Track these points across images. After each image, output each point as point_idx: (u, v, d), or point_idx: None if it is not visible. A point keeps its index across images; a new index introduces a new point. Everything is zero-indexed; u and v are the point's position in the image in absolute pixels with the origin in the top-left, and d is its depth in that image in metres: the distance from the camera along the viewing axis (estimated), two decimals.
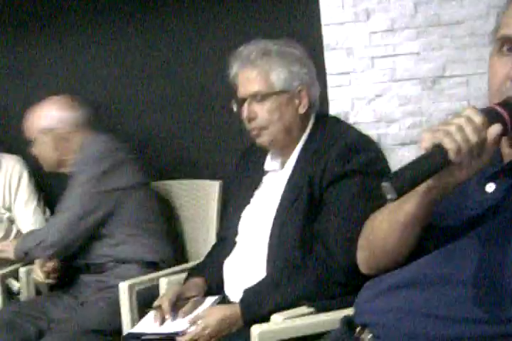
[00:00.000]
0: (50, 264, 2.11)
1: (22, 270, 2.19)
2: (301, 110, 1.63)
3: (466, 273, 1.01)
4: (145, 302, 1.88)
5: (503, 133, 0.96)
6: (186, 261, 2.23)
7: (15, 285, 2.26)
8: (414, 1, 2.25)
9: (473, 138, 0.93)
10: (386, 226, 1.10)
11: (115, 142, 2.18)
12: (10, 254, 2.17)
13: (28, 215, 2.37)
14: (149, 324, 1.62)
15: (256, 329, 1.36)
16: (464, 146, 0.93)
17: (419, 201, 1.03)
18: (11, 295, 2.23)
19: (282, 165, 1.66)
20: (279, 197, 1.60)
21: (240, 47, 1.65)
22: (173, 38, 2.52)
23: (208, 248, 2.00)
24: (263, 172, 1.71)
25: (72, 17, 2.59)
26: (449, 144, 0.93)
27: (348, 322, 1.18)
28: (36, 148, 2.20)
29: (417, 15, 2.25)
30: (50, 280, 2.12)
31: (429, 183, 0.99)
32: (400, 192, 0.94)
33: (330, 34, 2.31)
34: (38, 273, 2.11)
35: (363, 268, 1.20)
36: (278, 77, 1.60)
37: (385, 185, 0.94)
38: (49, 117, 2.15)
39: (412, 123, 2.34)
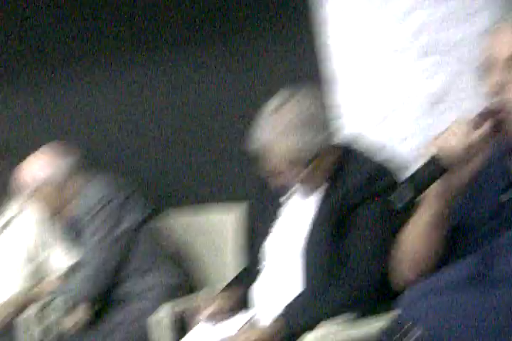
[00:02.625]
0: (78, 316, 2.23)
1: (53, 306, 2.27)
2: (331, 160, 1.74)
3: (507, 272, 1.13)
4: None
5: (489, 136, 1.17)
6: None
7: (48, 319, 2.33)
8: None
9: (460, 143, 1.14)
10: (413, 236, 1.29)
11: (114, 181, 2.32)
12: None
13: (61, 255, 2.45)
14: (194, 337, 1.74)
15: (310, 337, 1.46)
16: (454, 152, 1.14)
17: (434, 208, 1.22)
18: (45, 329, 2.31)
19: (308, 192, 1.79)
20: (308, 219, 1.76)
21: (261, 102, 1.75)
22: (178, 73, 2.65)
23: (229, 273, 2.12)
24: (281, 205, 1.85)
25: (70, 58, 2.72)
26: (440, 152, 1.15)
27: (396, 322, 1.28)
28: (37, 200, 2.32)
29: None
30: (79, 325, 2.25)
31: (437, 190, 1.19)
32: (405, 201, 1.15)
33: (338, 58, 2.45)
34: (69, 321, 2.25)
35: (401, 280, 1.35)
36: (305, 148, 1.70)
37: (403, 186, 1.15)
38: (43, 169, 2.26)
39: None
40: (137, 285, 2.25)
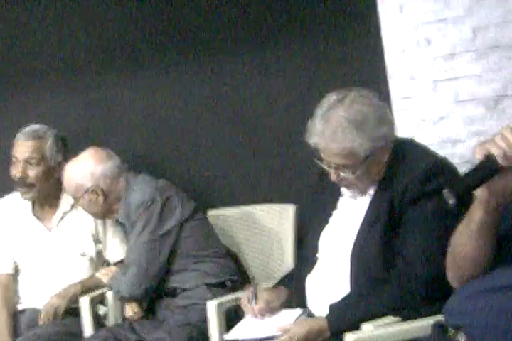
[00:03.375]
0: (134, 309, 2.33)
1: (109, 294, 2.38)
2: (385, 158, 1.74)
3: None
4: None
5: None
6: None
7: (101, 309, 2.44)
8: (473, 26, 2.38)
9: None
10: (464, 239, 1.30)
11: (156, 180, 2.35)
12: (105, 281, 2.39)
13: (116, 246, 2.53)
14: (242, 330, 1.82)
15: (350, 337, 1.49)
16: (509, 151, 1.14)
17: (484, 208, 1.22)
18: (98, 318, 2.41)
19: (362, 191, 1.81)
20: (361, 218, 1.78)
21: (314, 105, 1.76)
22: (228, 73, 2.69)
23: (283, 271, 2.16)
24: (340, 194, 1.86)
25: (131, 56, 2.79)
26: (495, 151, 1.15)
27: (440, 327, 1.30)
28: (83, 205, 2.38)
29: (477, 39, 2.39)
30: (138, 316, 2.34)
31: (488, 189, 1.19)
32: (458, 196, 1.17)
33: (393, 61, 2.46)
34: (128, 311, 2.33)
35: (454, 283, 1.38)
36: (361, 148, 1.69)
37: (446, 192, 1.18)
38: (88, 176, 2.30)
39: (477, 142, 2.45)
40: (182, 282, 2.30)
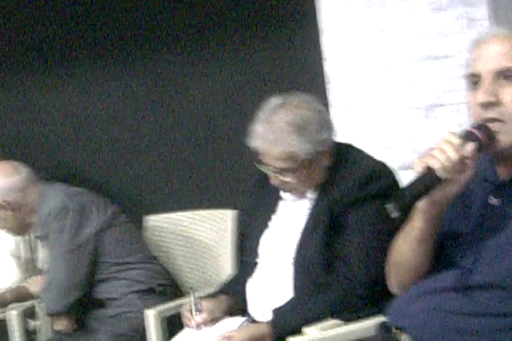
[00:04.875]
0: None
1: (40, 306, 2.31)
2: (326, 163, 1.78)
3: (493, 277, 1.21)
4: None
5: (479, 149, 1.24)
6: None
7: (31, 323, 2.37)
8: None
9: (453, 156, 1.21)
10: (404, 246, 1.35)
11: (69, 188, 2.30)
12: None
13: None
14: None
15: None
16: (448, 164, 1.21)
17: (425, 217, 1.28)
18: (27, 333, 2.34)
19: (302, 195, 1.83)
20: (301, 222, 1.81)
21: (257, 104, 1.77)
22: (165, 75, 2.68)
23: (222, 277, 2.15)
24: (279, 198, 1.87)
25: (75, 58, 2.74)
26: (435, 164, 1.21)
27: (385, 327, 1.33)
28: None
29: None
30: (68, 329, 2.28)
31: (428, 200, 1.25)
32: (402, 210, 1.21)
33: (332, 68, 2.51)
34: (58, 324, 2.28)
35: (394, 289, 1.42)
36: (302, 152, 1.71)
37: (389, 206, 1.22)
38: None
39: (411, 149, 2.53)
40: (110, 291, 2.26)
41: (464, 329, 1.21)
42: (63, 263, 2.16)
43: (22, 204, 2.25)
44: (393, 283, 1.40)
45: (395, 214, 1.21)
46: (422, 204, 1.26)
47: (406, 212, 1.23)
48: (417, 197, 1.22)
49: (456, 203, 1.31)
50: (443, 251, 1.32)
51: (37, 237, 2.31)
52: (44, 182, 2.33)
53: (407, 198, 1.21)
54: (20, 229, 2.32)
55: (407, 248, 1.33)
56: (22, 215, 2.27)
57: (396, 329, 1.31)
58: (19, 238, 2.46)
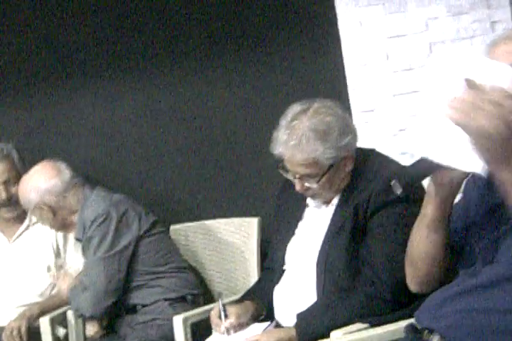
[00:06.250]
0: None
1: (70, 313, 2.37)
2: (349, 168, 1.81)
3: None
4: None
5: None
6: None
7: (60, 331, 2.43)
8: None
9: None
10: (418, 235, 1.36)
11: (112, 194, 2.36)
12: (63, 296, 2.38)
13: (78, 259, 2.53)
14: None
15: None
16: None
17: (434, 202, 1.29)
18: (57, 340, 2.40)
19: (326, 200, 1.87)
20: (326, 227, 1.84)
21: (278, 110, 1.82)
22: (187, 86, 2.72)
23: (249, 284, 2.18)
24: (305, 205, 1.90)
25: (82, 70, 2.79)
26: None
27: (413, 329, 1.35)
28: (37, 219, 2.43)
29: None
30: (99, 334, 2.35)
31: (435, 182, 1.26)
32: (405, 187, 1.23)
33: (353, 74, 2.54)
34: (89, 330, 2.35)
35: (412, 285, 1.44)
36: (325, 157, 1.74)
37: (393, 182, 1.24)
38: (33, 192, 2.31)
39: None
40: (142, 298, 2.31)
41: (497, 327, 1.22)
42: (102, 268, 2.23)
43: (59, 207, 2.32)
44: (411, 279, 1.41)
45: (398, 191, 1.23)
46: (429, 187, 1.27)
47: (409, 189, 1.23)
48: (420, 175, 1.24)
49: (474, 196, 1.32)
50: (467, 247, 1.33)
51: (77, 239, 2.37)
52: (85, 184, 2.39)
53: (411, 175, 1.23)
54: (61, 228, 2.39)
55: (420, 236, 1.34)
56: (60, 216, 2.33)
57: (426, 331, 1.33)
58: (49, 249, 2.53)
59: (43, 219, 2.36)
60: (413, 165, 1.24)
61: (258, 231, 2.41)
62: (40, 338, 2.33)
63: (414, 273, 1.39)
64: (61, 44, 2.77)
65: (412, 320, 1.38)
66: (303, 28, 2.59)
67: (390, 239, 1.72)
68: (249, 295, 1.98)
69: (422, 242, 1.34)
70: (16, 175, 2.50)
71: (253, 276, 2.34)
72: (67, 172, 2.36)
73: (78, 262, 2.50)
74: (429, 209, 1.30)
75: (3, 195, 2.49)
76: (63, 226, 2.38)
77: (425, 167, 1.21)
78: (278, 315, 1.86)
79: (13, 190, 2.49)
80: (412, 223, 1.61)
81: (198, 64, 2.70)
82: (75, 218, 2.34)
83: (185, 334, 2.07)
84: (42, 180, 2.32)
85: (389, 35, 2.52)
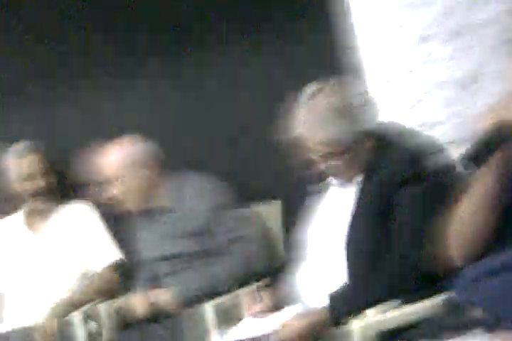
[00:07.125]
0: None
1: (103, 307, 2.37)
2: (369, 144, 1.79)
3: None
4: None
5: None
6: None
7: (92, 325, 2.43)
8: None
9: None
10: (471, 210, 1.34)
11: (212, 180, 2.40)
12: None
13: (108, 247, 2.60)
14: (243, 330, 1.85)
15: (357, 323, 1.51)
16: None
17: (495, 174, 1.27)
18: (89, 335, 2.41)
19: (349, 178, 1.84)
20: (351, 206, 1.82)
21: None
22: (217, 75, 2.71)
23: (277, 268, 2.17)
24: (327, 185, 1.87)
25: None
26: (501, 123, 1.19)
27: (453, 303, 1.33)
28: (119, 187, 2.36)
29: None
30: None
31: (503, 154, 1.24)
32: (473, 161, 1.25)
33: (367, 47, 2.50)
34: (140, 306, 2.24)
35: (459, 259, 1.41)
36: (346, 134, 1.75)
37: (462, 159, 1.27)
38: (131, 152, 2.36)
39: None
40: None
41: None
42: (239, 248, 2.28)
43: (149, 174, 2.33)
44: (459, 255, 1.39)
45: (466, 166, 1.25)
46: (495, 159, 1.26)
47: (478, 164, 1.25)
48: (491, 148, 1.24)
49: None
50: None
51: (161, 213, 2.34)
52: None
53: (478, 152, 1.24)
54: (141, 196, 2.36)
55: (473, 211, 1.32)
56: (148, 182, 2.33)
57: (467, 304, 1.31)
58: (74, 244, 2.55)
59: (129, 185, 2.32)
60: (478, 142, 1.25)
61: (281, 215, 2.40)
62: (70, 332, 2.35)
63: (465, 251, 1.37)
64: (69, 43, 2.80)
65: (446, 295, 1.37)
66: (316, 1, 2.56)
67: (418, 214, 1.70)
68: (279, 278, 1.96)
69: (478, 219, 1.32)
70: (49, 168, 2.61)
71: (280, 260, 2.33)
72: (154, 146, 2.38)
73: (110, 250, 2.53)
74: (488, 181, 1.28)
75: (43, 184, 2.54)
76: (146, 196, 2.34)
77: (495, 140, 1.22)
78: (306, 297, 1.86)
79: (51, 179, 2.58)
80: (439, 196, 1.59)
81: (204, 56, 2.70)
82: (156, 192, 2.32)
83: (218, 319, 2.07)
84: (136, 144, 2.35)
85: (400, 4, 2.47)
